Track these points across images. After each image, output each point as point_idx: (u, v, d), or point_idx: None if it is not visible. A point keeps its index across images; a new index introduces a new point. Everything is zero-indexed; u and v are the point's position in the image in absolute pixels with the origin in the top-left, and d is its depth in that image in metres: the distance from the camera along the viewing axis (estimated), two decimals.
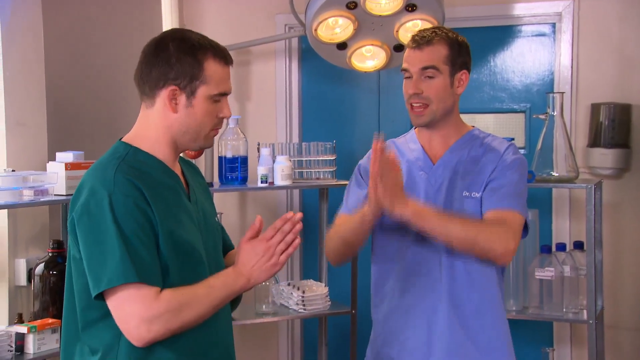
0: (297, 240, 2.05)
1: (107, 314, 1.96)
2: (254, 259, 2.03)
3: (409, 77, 2.49)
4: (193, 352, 2.03)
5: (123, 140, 2.09)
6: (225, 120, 2.16)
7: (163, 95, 2.02)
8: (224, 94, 2.06)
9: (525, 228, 2.48)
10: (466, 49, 2.53)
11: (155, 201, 1.97)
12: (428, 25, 3.63)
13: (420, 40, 2.48)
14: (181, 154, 2.18)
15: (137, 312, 1.90)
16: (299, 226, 2.05)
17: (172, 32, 2.11)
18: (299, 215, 2.06)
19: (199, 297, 1.97)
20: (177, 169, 2.13)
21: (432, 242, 2.42)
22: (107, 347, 1.97)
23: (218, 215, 2.27)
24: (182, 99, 2.02)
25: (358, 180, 2.61)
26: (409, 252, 2.47)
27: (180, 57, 2.01)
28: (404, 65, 2.51)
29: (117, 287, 1.89)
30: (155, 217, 1.96)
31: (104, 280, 1.89)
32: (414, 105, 2.47)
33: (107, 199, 1.92)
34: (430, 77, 2.45)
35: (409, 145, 2.60)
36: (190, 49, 2.02)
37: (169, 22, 4.36)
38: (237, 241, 2.16)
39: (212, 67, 2.02)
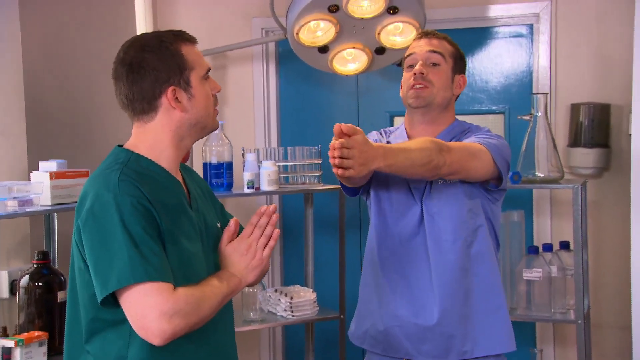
0: (277, 231, 2.07)
1: (115, 324, 1.93)
2: (239, 259, 2.06)
3: (412, 66, 2.58)
4: None
5: (123, 147, 2.06)
6: None
7: (164, 101, 2.00)
8: (209, 70, 2.06)
9: (500, 179, 2.50)
10: (464, 59, 2.69)
11: (159, 205, 1.95)
12: (410, 28, 3.65)
13: (430, 32, 2.63)
14: None
15: (156, 304, 1.85)
16: (275, 217, 2.08)
17: (133, 45, 2.03)
18: (273, 206, 2.09)
19: (207, 295, 1.95)
20: (179, 177, 2.10)
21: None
22: (115, 358, 1.93)
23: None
24: (182, 94, 2.00)
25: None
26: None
27: (160, 58, 1.99)
28: (410, 51, 2.62)
29: (130, 286, 1.85)
30: (160, 220, 1.93)
31: (113, 281, 1.85)
32: (416, 86, 2.53)
33: (113, 201, 1.89)
34: (435, 64, 2.56)
35: (398, 140, 2.64)
36: (162, 46, 2.00)
37: (142, 26, 4.29)
38: None
39: (188, 51, 2.02)
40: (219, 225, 2.18)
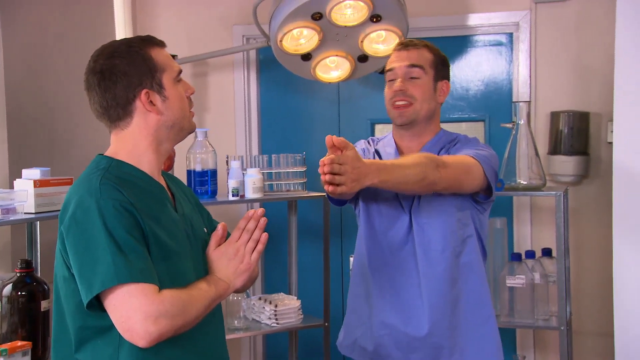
0: (265, 235, 2.07)
1: (103, 330, 1.92)
2: (227, 264, 2.06)
3: (393, 80, 2.55)
4: None
5: (104, 154, 2.07)
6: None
7: (139, 104, 2.00)
8: (180, 72, 2.06)
9: (489, 190, 2.52)
10: (447, 64, 2.65)
11: (142, 208, 1.94)
12: (393, 36, 3.66)
13: (408, 43, 2.59)
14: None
15: (140, 306, 1.84)
16: (262, 221, 2.08)
17: (103, 53, 2.04)
18: (261, 210, 2.08)
19: (195, 298, 1.95)
20: (162, 181, 2.11)
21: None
22: None
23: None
24: (156, 97, 2.00)
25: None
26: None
27: (130, 62, 1.99)
28: (390, 66, 2.57)
29: (114, 287, 1.84)
30: (143, 223, 1.93)
31: (97, 284, 1.84)
32: (398, 103, 2.52)
33: (95, 205, 1.88)
34: (415, 78, 2.52)
35: (386, 149, 2.64)
36: (132, 50, 2.01)
37: (122, 35, 4.27)
38: None
39: (157, 54, 2.02)
40: (205, 230, 2.18)
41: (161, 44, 2.06)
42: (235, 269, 2.05)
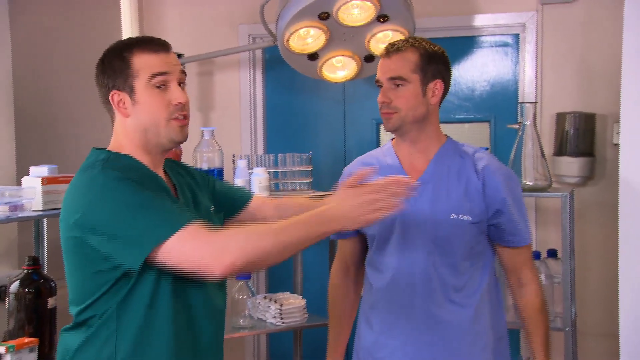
0: (401, 206, 1.99)
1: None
2: (352, 201, 1.97)
3: (381, 86, 2.50)
4: None
5: (99, 148, 2.12)
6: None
7: (113, 105, 2.06)
8: (162, 75, 2.03)
9: None
10: (441, 58, 2.51)
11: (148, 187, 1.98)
12: (399, 36, 3.66)
13: (391, 48, 2.49)
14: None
15: (201, 246, 1.88)
16: (409, 193, 2.01)
17: (106, 49, 2.12)
18: (415, 182, 2.02)
19: (274, 228, 1.93)
20: (160, 173, 2.13)
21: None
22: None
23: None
24: (126, 100, 2.04)
25: None
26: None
27: (110, 63, 2.06)
28: (377, 76, 2.52)
29: (167, 242, 1.87)
30: None
31: (148, 243, 1.88)
32: (383, 112, 2.48)
33: (106, 180, 1.94)
34: (398, 85, 2.44)
35: (386, 159, 2.57)
36: (117, 52, 2.06)
37: (129, 33, 4.28)
38: None
39: (140, 59, 2.04)
40: (212, 209, 2.21)
41: (157, 49, 2.05)
42: (356, 208, 1.96)
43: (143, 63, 2.03)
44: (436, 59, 2.48)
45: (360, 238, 2.67)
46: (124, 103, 2.04)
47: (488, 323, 2.52)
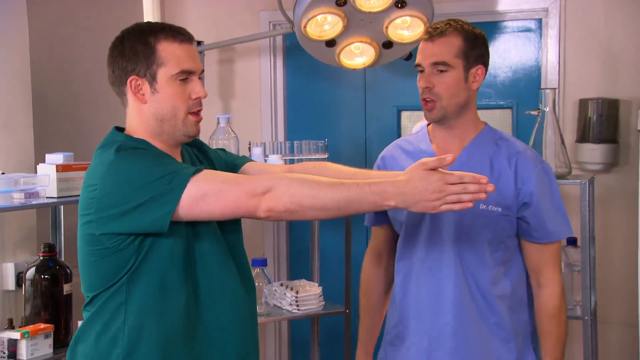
0: (469, 204, 1.90)
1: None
2: (426, 183, 1.88)
3: (422, 71, 2.42)
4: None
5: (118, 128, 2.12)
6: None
7: (128, 89, 2.04)
8: (188, 72, 2.04)
9: None
10: (482, 42, 2.45)
11: None
12: (418, 22, 3.63)
13: (433, 31, 2.41)
14: None
15: (242, 184, 1.93)
16: (481, 195, 1.90)
17: (128, 27, 2.09)
18: (492, 187, 1.91)
19: (322, 181, 1.92)
20: (177, 156, 2.13)
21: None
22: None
23: None
24: (146, 87, 2.03)
25: None
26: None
27: (132, 47, 2.03)
28: (417, 59, 2.43)
29: (199, 189, 1.91)
30: None
31: (175, 190, 1.90)
32: (426, 99, 2.41)
33: (117, 157, 1.95)
34: (441, 72, 2.38)
35: (420, 145, 2.52)
36: (141, 36, 2.03)
37: (150, 20, 4.29)
38: None
39: (166, 47, 2.02)
40: None
41: (182, 39, 2.05)
42: (422, 195, 1.89)
43: (170, 53, 2.02)
44: (479, 43, 2.43)
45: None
46: (141, 89, 2.03)
47: (509, 318, 2.46)
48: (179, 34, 2.05)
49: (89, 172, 2.02)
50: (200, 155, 2.23)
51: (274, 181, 1.92)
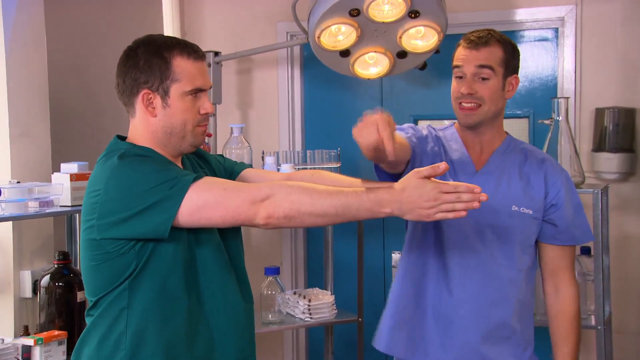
0: (463, 213, 1.92)
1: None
2: (422, 190, 1.91)
3: (461, 77, 2.43)
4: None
5: (121, 137, 2.15)
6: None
7: (139, 101, 2.07)
8: (200, 90, 2.07)
9: None
10: (518, 53, 2.51)
11: None
12: (431, 32, 3.64)
13: (478, 40, 2.43)
14: None
15: (239, 191, 1.96)
16: (475, 204, 1.92)
17: (141, 38, 2.12)
18: (485, 196, 1.93)
19: (320, 189, 1.95)
20: (178, 164, 2.16)
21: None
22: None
23: None
24: (157, 101, 2.05)
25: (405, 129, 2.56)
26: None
27: (147, 60, 2.04)
28: (457, 63, 2.45)
29: (186, 204, 1.93)
30: None
31: (175, 197, 1.93)
32: (465, 105, 2.43)
33: (120, 164, 1.98)
34: (484, 79, 2.40)
35: (450, 143, 2.55)
36: (157, 50, 2.04)
37: (170, 30, 4.34)
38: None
39: (180, 63, 2.04)
40: None
41: (196, 56, 2.07)
42: (416, 204, 1.91)
43: (184, 69, 2.05)
44: (516, 54, 2.49)
45: None
46: (152, 103, 2.06)
47: (519, 324, 2.49)
48: (194, 52, 2.08)
49: (92, 179, 2.05)
50: (201, 162, 2.27)
51: (274, 188, 1.95)
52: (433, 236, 2.49)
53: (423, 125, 2.65)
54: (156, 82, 2.04)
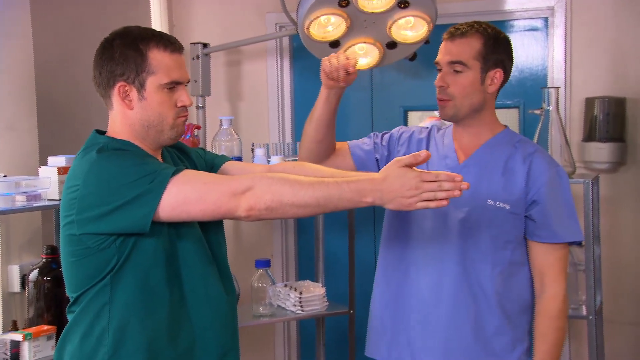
0: (444, 202, 1.92)
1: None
2: (403, 180, 1.92)
3: (440, 70, 2.45)
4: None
5: (99, 131, 2.14)
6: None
7: (115, 94, 2.06)
8: (177, 83, 2.06)
9: None
10: (504, 46, 2.47)
11: None
12: (421, 22, 3.63)
13: (455, 32, 2.44)
14: None
15: (219, 184, 1.95)
16: (456, 193, 1.92)
17: (117, 30, 2.10)
18: (466, 185, 1.94)
19: (301, 180, 1.94)
20: (158, 157, 2.14)
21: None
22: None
23: None
24: (133, 94, 2.04)
25: (371, 137, 2.65)
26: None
27: (123, 52, 2.03)
28: (437, 58, 2.47)
29: (179, 190, 1.93)
30: None
31: (155, 190, 1.91)
32: (439, 97, 2.45)
33: (99, 158, 1.97)
34: (457, 72, 2.41)
35: (444, 139, 2.57)
36: (132, 42, 2.03)
37: (157, 22, 4.31)
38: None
39: (157, 56, 2.03)
40: None
41: (173, 49, 2.06)
42: (399, 193, 1.91)
43: (160, 62, 2.03)
44: (499, 47, 2.45)
45: None
46: (129, 95, 2.05)
47: (509, 322, 2.47)
48: (170, 44, 2.06)
49: (70, 174, 2.04)
50: (181, 156, 2.26)
51: (255, 180, 1.94)
52: (408, 230, 2.50)
53: (426, 124, 2.66)
54: (132, 75, 2.03)
